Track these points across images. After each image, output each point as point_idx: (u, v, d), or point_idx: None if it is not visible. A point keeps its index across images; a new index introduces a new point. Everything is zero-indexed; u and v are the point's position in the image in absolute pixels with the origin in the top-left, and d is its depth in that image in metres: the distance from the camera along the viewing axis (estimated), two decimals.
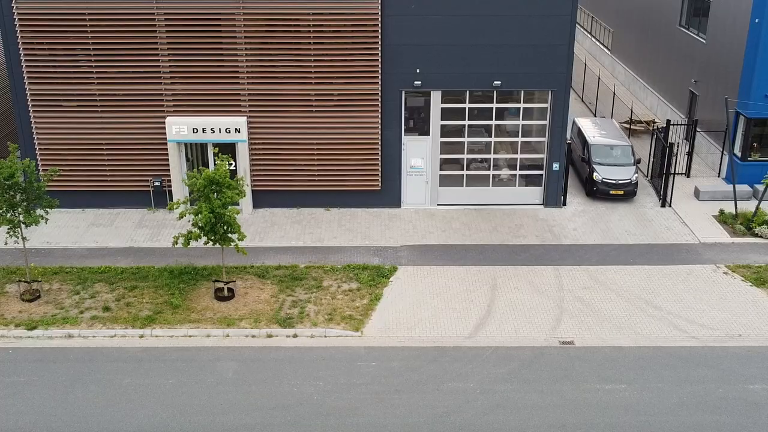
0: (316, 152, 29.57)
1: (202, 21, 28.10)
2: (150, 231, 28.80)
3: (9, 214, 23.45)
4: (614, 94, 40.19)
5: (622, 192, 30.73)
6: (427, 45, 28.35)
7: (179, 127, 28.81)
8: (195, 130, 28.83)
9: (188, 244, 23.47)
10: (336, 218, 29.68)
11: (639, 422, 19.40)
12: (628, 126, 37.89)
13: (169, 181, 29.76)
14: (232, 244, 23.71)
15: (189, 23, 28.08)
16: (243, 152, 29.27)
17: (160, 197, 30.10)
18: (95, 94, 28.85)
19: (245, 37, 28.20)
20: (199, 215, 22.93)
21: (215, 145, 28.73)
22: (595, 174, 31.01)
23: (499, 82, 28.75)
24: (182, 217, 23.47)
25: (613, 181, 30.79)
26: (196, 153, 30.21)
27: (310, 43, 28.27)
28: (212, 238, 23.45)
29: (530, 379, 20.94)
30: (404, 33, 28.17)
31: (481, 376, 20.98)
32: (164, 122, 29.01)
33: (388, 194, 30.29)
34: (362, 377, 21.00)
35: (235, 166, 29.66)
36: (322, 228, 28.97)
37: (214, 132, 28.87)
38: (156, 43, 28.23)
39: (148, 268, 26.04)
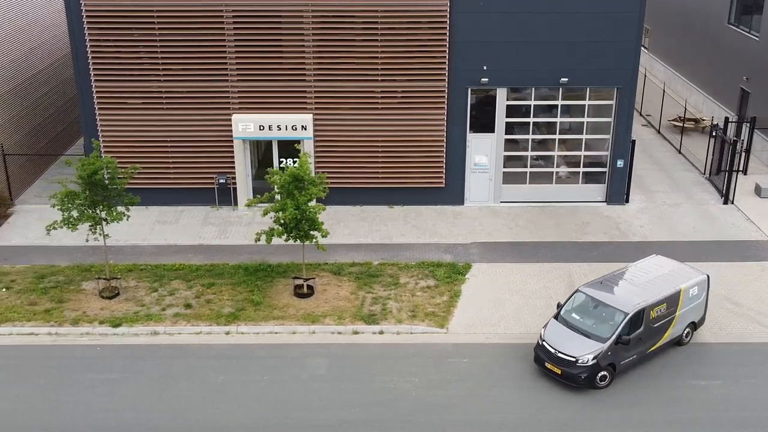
0: (380, 149, 29.53)
1: (269, 17, 28.06)
2: (217, 228, 28.75)
3: (91, 211, 23.38)
4: (664, 92, 40.19)
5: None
6: (494, 42, 28.33)
7: (246, 125, 28.77)
8: (261, 128, 28.79)
9: (271, 241, 23.43)
10: (401, 215, 29.64)
11: (739, 417, 19.42)
12: (679, 124, 37.90)
13: (234, 178, 29.71)
14: (313, 240, 23.66)
15: (257, 20, 28.04)
16: (308, 149, 29.20)
17: (225, 195, 30.06)
18: (161, 92, 28.79)
19: (313, 33, 28.16)
20: (284, 212, 22.89)
21: (295, 142, 29.03)
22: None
23: (566, 79, 28.73)
24: (266, 214, 23.39)
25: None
26: (257, 151, 30.13)
27: (377, 39, 28.24)
28: (294, 234, 23.40)
29: (623, 376, 20.91)
30: (472, 30, 28.14)
31: None
32: (230, 120, 28.96)
33: (451, 191, 30.27)
34: (455, 374, 20.99)
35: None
36: (389, 225, 28.93)
37: (280, 129, 28.82)
38: (224, 39, 28.18)
39: (222, 266, 25.98)
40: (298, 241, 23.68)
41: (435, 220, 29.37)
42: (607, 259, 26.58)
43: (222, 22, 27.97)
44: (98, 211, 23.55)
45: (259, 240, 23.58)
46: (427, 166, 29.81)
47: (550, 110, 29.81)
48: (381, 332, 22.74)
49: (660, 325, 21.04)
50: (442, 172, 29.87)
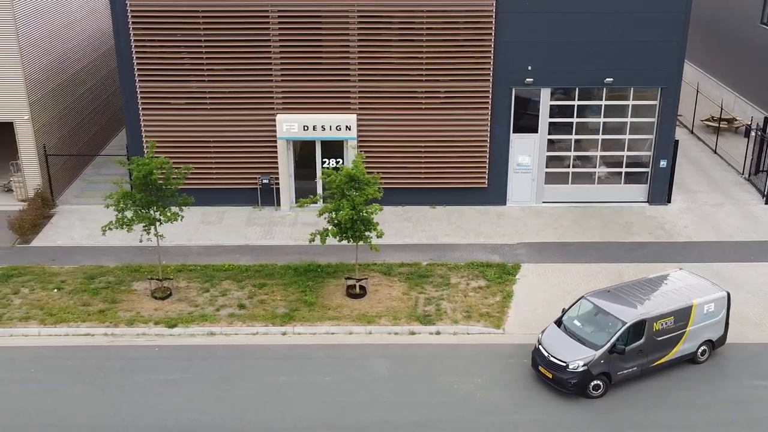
0: (423, 150, 29.50)
1: (315, 18, 28.04)
2: (261, 229, 28.72)
3: (145, 212, 23.35)
4: (697, 92, 40.13)
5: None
6: (539, 42, 28.30)
7: (290, 125, 28.73)
8: (305, 128, 28.75)
9: (325, 242, 23.40)
10: (444, 216, 29.60)
11: None
12: (714, 124, 37.86)
13: (277, 178, 29.68)
14: (367, 241, 23.60)
15: (302, 20, 28.02)
16: (351, 150, 29.14)
17: (267, 195, 30.02)
18: (205, 92, 28.76)
19: (358, 33, 28.12)
20: (339, 212, 22.87)
21: (339, 142, 29.01)
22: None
23: (611, 79, 28.69)
24: (322, 215, 23.34)
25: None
26: (298, 151, 30.09)
27: (422, 40, 28.21)
28: (348, 235, 23.36)
29: (685, 377, 20.89)
30: (517, 30, 28.10)
31: None
32: (274, 120, 28.93)
33: (493, 192, 30.24)
34: (517, 374, 20.94)
35: (342, 163, 29.60)
36: (433, 225, 28.90)
37: (324, 129, 28.79)
38: (269, 40, 28.16)
39: (271, 266, 25.93)
40: (351, 241, 23.65)
41: (478, 220, 29.33)
42: (655, 259, 26.54)
43: (267, 23, 27.94)
44: (152, 212, 23.51)
45: (313, 240, 23.55)
46: (469, 166, 29.78)
47: (593, 110, 29.76)
48: (438, 333, 22.70)
49: (666, 339, 20.40)
50: (485, 172, 29.85)
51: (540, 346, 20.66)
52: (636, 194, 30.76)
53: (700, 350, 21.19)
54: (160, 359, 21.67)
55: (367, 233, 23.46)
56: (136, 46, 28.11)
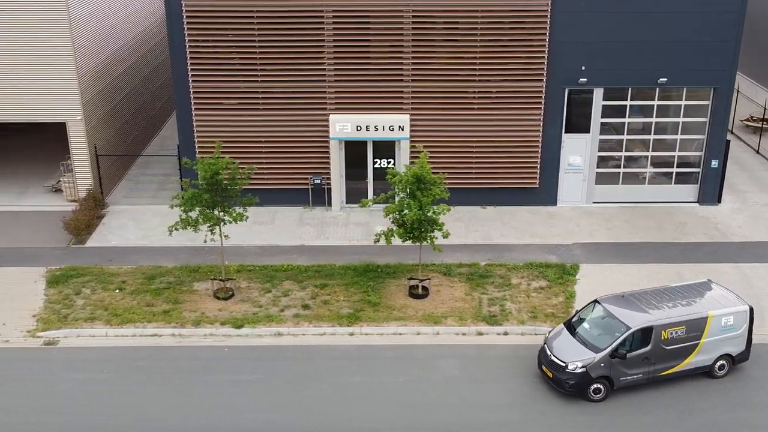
0: (475, 150, 29.47)
1: (369, 18, 28.04)
2: (314, 229, 28.70)
3: (210, 212, 23.33)
4: (737, 91, 40.02)
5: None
6: (593, 42, 28.26)
7: (343, 125, 28.72)
8: (358, 128, 28.74)
9: (390, 242, 23.39)
10: (496, 216, 29.56)
11: None
12: (754, 124, 37.81)
13: (328, 178, 29.67)
14: (430, 241, 23.56)
15: (356, 20, 28.01)
16: (404, 150, 29.14)
17: (318, 195, 30.01)
18: (258, 92, 28.75)
19: (412, 34, 28.10)
20: (400, 213, 22.86)
21: (390, 142, 29.00)
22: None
23: (665, 79, 28.66)
24: (389, 215, 23.29)
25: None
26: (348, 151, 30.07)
27: (476, 39, 28.19)
28: (412, 235, 23.32)
29: (761, 376, 20.86)
30: (571, 30, 28.06)
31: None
32: (326, 120, 28.91)
33: (544, 192, 30.20)
34: None
35: (394, 163, 29.59)
36: (486, 226, 28.87)
37: (377, 129, 28.78)
38: (322, 40, 28.14)
39: (330, 266, 25.91)
40: (415, 241, 23.61)
41: (530, 220, 29.29)
42: (713, 259, 26.51)
43: (322, 23, 27.92)
44: (217, 212, 23.50)
45: (378, 241, 23.54)
46: (521, 166, 29.75)
47: (645, 110, 29.73)
48: (505, 333, 22.70)
49: (676, 349, 20.09)
50: (536, 172, 29.82)
51: (545, 345, 20.70)
52: (686, 194, 30.72)
53: (717, 364, 20.68)
54: (230, 360, 21.67)
55: (431, 234, 23.42)
56: (190, 46, 28.10)
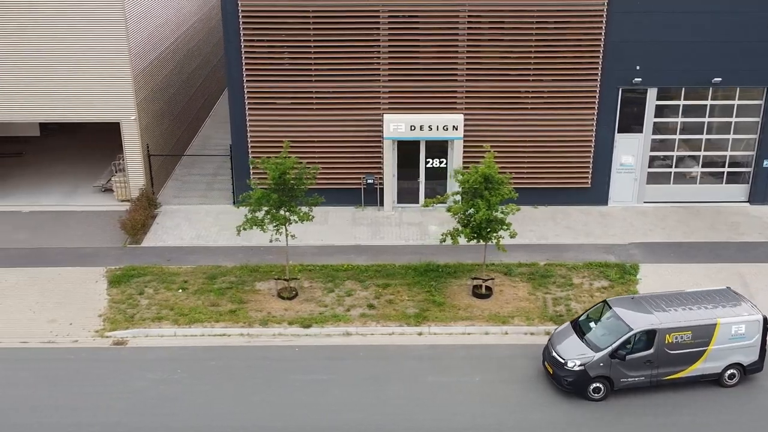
0: (527, 150, 29.46)
1: (425, 17, 28.03)
2: (369, 229, 28.70)
3: (276, 212, 23.34)
4: None
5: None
6: (649, 41, 28.23)
7: (397, 125, 28.71)
8: (412, 128, 28.73)
9: (457, 242, 23.39)
10: (548, 215, 29.53)
11: None
12: None
13: (381, 178, 29.67)
14: (494, 241, 23.56)
15: (412, 20, 28.02)
16: (457, 150, 29.14)
17: (369, 195, 30.00)
18: (311, 92, 28.75)
19: (468, 33, 28.09)
20: (472, 212, 22.87)
21: (443, 142, 29.04)
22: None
23: (719, 79, 28.64)
24: (456, 214, 23.28)
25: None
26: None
27: (531, 39, 28.17)
28: (477, 235, 23.31)
29: None
30: (627, 29, 28.03)
31: None
32: (380, 120, 28.92)
33: (595, 191, 30.19)
34: None
35: (446, 163, 29.59)
36: (540, 225, 28.85)
37: (431, 129, 28.77)
38: (378, 40, 28.14)
39: (390, 266, 25.91)
40: (479, 241, 23.61)
41: (584, 220, 29.29)
42: None
43: (377, 23, 27.92)
44: (283, 212, 23.50)
45: (444, 241, 23.57)
46: (573, 166, 29.74)
47: (697, 110, 29.72)
48: None
49: (681, 354, 19.97)
50: (589, 172, 29.81)
51: (549, 342, 20.91)
52: (736, 194, 30.71)
53: (727, 373, 20.46)
54: (301, 360, 21.67)
55: (496, 234, 23.41)
56: (245, 46, 28.10)
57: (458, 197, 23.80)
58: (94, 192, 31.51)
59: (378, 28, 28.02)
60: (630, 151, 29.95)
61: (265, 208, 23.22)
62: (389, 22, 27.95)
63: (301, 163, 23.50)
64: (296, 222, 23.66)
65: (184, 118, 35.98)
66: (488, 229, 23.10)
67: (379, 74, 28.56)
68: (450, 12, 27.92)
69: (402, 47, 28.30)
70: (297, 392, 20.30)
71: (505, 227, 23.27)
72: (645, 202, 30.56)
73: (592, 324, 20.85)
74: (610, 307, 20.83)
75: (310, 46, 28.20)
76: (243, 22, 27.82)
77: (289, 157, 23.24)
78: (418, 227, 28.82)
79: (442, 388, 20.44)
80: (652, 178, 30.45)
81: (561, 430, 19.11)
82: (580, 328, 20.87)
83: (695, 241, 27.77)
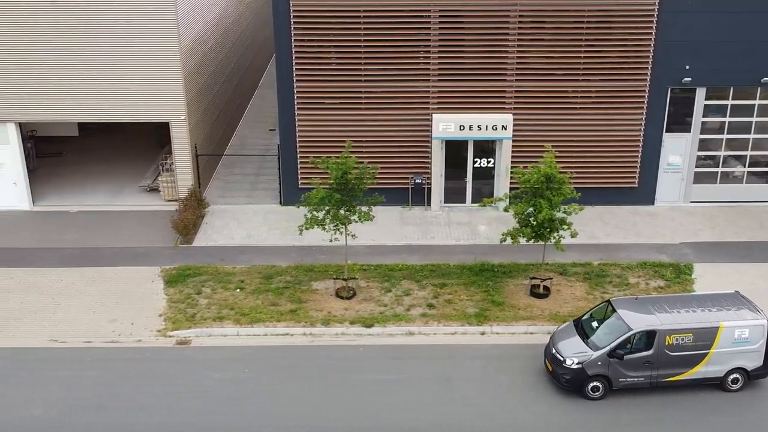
0: (575, 149, 29.46)
1: (475, 17, 28.04)
2: (418, 228, 28.72)
3: (336, 211, 23.36)
4: None
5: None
6: (699, 41, 28.24)
7: (446, 125, 28.73)
8: (461, 128, 28.75)
9: (518, 241, 23.43)
10: (596, 215, 29.52)
11: None
12: None
13: (429, 178, 29.68)
14: (553, 240, 23.57)
15: (462, 19, 28.04)
16: (506, 150, 29.15)
17: (416, 195, 30.02)
18: (361, 92, 28.77)
19: (518, 33, 28.10)
20: (526, 213, 22.91)
21: (491, 142, 29.08)
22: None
23: None
24: (518, 214, 23.30)
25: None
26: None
27: (581, 39, 28.18)
28: (536, 234, 23.33)
29: None
30: (677, 29, 28.04)
31: None
32: (428, 120, 28.94)
33: (642, 191, 30.20)
34: None
35: (494, 163, 29.61)
36: (589, 225, 28.81)
37: (480, 129, 28.79)
38: (428, 39, 28.15)
39: (444, 266, 25.93)
40: (539, 240, 23.63)
41: (632, 220, 29.30)
42: None
43: (428, 22, 27.94)
44: (343, 211, 23.53)
45: (504, 240, 23.60)
46: (621, 165, 29.76)
47: (711, 110, 29.63)
48: None
49: (682, 356, 19.89)
50: (636, 171, 29.82)
51: (551, 340, 21.04)
52: None
53: (730, 378, 20.32)
54: (367, 359, 21.70)
55: (557, 233, 23.43)
56: (296, 45, 28.12)
57: (515, 197, 23.82)
58: (140, 192, 31.54)
59: (428, 28, 28.04)
60: (677, 151, 29.96)
61: (326, 208, 23.23)
62: (440, 22, 27.97)
63: (362, 162, 23.50)
64: (356, 221, 23.66)
65: (224, 118, 36.01)
66: (548, 229, 23.10)
67: (429, 74, 28.58)
68: (501, 11, 27.93)
69: (452, 47, 28.32)
70: (368, 391, 20.33)
71: (566, 227, 23.28)
72: (692, 202, 30.56)
73: (594, 323, 20.92)
74: (613, 307, 20.87)
75: (360, 46, 28.22)
76: (294, 22, 27.85)
77: (349, 156, 23.26)
78: (468, 227, 28.84)
79: (517, 387, 20.51)
80: (698, 178, 30.45)
81: (627, 426, 19.09)
82: (581, 327, 20.94)
83: (747, 241, 27.79)
